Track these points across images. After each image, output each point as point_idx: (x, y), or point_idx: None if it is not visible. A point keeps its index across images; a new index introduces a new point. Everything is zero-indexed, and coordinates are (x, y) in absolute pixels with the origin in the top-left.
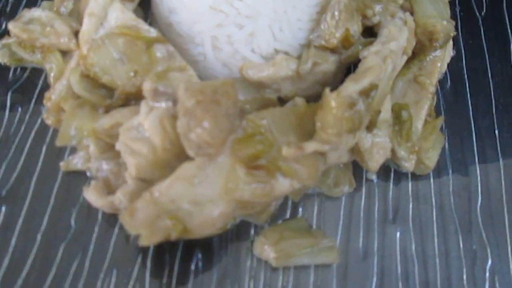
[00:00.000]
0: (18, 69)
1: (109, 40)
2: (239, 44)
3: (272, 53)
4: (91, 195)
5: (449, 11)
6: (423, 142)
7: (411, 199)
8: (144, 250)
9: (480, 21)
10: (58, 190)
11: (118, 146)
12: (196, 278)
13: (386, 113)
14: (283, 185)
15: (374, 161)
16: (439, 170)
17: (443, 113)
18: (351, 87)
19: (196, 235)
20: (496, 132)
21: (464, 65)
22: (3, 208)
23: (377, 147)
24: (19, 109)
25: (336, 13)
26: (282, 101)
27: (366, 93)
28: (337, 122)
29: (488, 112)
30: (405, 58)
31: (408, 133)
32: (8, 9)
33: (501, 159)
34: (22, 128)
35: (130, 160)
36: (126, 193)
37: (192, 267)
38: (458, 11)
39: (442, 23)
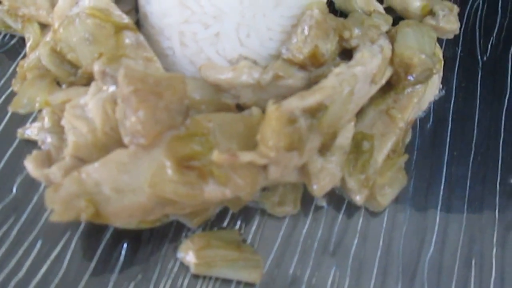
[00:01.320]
0: (8, 36)
1: (79, 19)
2: (204, 43)
3: (237, 58)
4: (29, 164)
5: (433, 47)
6: (379, 177)
7: (358, 234)
8: (73, 229)
9: (480, 65)
10: (10, 155)
11: (63, 121)
12: (115, 267)
13: (344, 140)
14: (214, 191)
15: (320, 186)
16: (396, 211)
17: (415, 152)
18: (295, 102)
19: (109, 221)
20: (468, 183)
21: (451, 107)
22: None
23: (326, 172)
24: None
25: (306, 27)
26: (240, 108)
27: (311, 112)
28: (274, 136)
29: (465, 161)
30: (375, 87)
31: (365, 165)
32: None
33: (465, 213)
34: None
35: (70, 137)
36: (61, 168)
37: (115, 255)
38: (458, 51)
39: (420, 57)
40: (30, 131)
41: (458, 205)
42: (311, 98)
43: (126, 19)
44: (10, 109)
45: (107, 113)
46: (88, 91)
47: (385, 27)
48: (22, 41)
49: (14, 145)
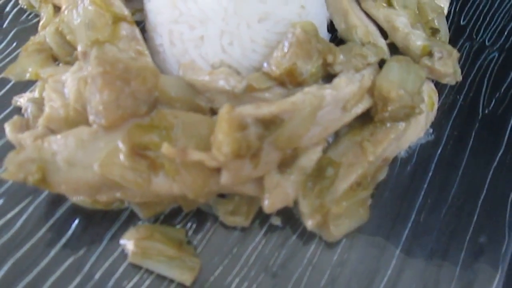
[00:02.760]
0: (32, 14)
1: (83, 4)
2: (189, 45)
3: (219, 63)
4: (7, 128)
5: (418, 86)
6: (335, 207)
7: (305, 261)
8: (35, 195)
9: (479, 117)
10: (1, 120)
11: (44, 93)
12: (61, 238)
13: (307, 161)
14: (161, 184)
15: (271, 203)
16: (351, 246)
17: (388, 191)
18: (249, 110)
19: (54, 190)
20: (435, 234)
21: (437, 153)
22: None
23: (280, 190)
24: (14, 43)
25: (287, 44)
26: (213, 113)
27: (265, 123)
28: (222, 138)
29: (437, 211)
30: (348, 114)
31: (323, 191)
32: None
33: (424, 263)
34: (7, 59)
35: (46, 109)
36: (32, 135)
37: (65, 228)
38: (460, 99)
39: (399, 92)
40: (22, 99)
41: (418, 253)
42: (267, 109)
43: (125, 11)
44: (4, 74)
45: (81, 91)
46: None
47: (372, 58)
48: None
49: (7, 111)
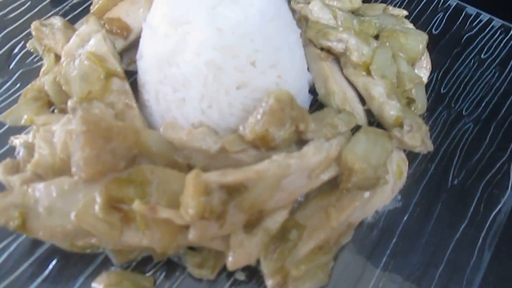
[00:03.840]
0: (37, 58)
1: (79, 59)
2: (172, 104)
3: (198, 123)
4: None
5: (383, 158)
6: (295, 269)
7: None
8: (18, 234)
9: (448, 187)
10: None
11: (35, 140)
12: (37, 277)
13: (272, 223)
14: (132, 236)
15: (234, 260)
16: None
17: (350, 255)
18: (214, 177)
19: (33, 235)
20: None
21: (403, 221)
22: None
23: (243, 249)
24: (18, 84)
25: (261, 112)
26: (189, 168)
27: (229, 190)
28: (188, 201)
29: (396, 279)
30: (314, 181)
31: (284, 253)
32: (61, 12)
33: None
34: (10, 99)
35: (35, 155)
36: (20, 179)
37: (43, 267)
38: (431, 169)
39: (362, 165)
40: (18, 141)
41: None
42: (231, 177)
43: (118, 68)
44: (0, 118)
45: (67, 142)
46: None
47: (343, 128)
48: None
49: (4, 149)
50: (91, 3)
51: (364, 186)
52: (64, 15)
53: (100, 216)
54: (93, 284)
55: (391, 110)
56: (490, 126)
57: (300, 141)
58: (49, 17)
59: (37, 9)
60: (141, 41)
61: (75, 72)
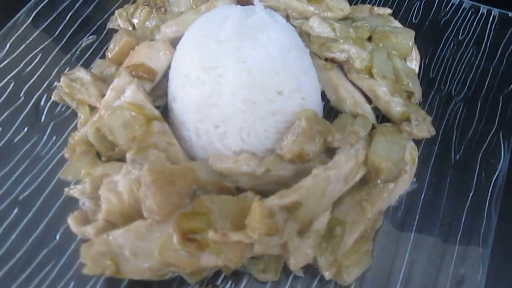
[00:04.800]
0: (64, 107)
1: (120, 110)
2: (214, 138)
3: (240, 150)
4: (71, 221)
5: (402, 154)
6: (345, 259)
7: None
8: (99, 276)
9: (452, 163)
10: (57, 208)
11: (100, 191)
12: None
13: (319, 225)
14: (208, 260)
15: (294, 262)
16: (360, 286)
17: (384, 237)
18: (275, 201)
19: (126, 277)
20: (425, 270)
21: (421, 200)
22: (16, 210)
23: (301, 251)
24: (54, 137)
25: (295, 134)
26: (239, 190)
27: (288, 209)
28: (256, 225)
29: (425, 250)
30: (347, 185)
31: (335, 247)
32: (73, 58)
33: None
34: (51, 153)
35: (104, 205)
36: (94, 228)
37: None
38: (435, 149)
39: (387, 164)
40: (73, 191)
41: (416, 280)
42: (288, 199)
43: (155, 112)
44: (60, 176)
45: (133, 190)
46: (121, 168)
47: (363, 132)
48: (73, 112)
49: (61, 200)
50: (98, 43)
51: (389, 180)
52: (77, 60)
53: (179, 249)
54: None
55: (396, 106)
56: (477, 102)
57: (327, 149)
58: (64, 65)
59: (49, 59)
60: (172, 85)
61: (118, 122)
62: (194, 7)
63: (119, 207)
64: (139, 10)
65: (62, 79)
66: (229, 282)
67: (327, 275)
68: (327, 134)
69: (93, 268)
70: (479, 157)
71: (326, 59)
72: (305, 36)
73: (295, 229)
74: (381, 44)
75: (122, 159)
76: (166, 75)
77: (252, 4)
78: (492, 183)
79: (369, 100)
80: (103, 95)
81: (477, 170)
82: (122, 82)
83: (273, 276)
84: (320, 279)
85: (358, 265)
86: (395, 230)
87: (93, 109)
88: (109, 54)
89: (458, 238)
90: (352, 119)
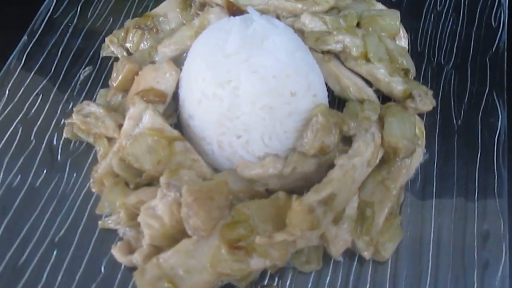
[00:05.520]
0: (77, 142)
1: (141, 137)
2: (237, 148)
3: (264, 154)
4: (117, 253)
5: (414, 130)
6: (380, 237)
7: (369, 280)
8: None
9: (456, 129)
10: (95, 242)
11: (139, 219)
12: None
13: (351, 210)
14: (257, 263)
15: (335, 249)
16: (397, 259)
17: (408, 209)
18: (312, 197)
19: None
20: (452, 230)
21: (434, 168)
22: (55, 252)
23: (340, 238)
24: (75, 174)
25: (314, 130)
26: (269, 192)
27: (325, 201)
28: (298, 222)
29: (448, 213)
30: (370, 169)
31: (369, 228)
32: (75, 93)
33: (451, 256)
34: (75, 189)
35: (146, 231)
36: (141, 255)
37: None
38: (437, 118)
39: (403, 143)
40: (109, 222)
41: (445, 250)
42: (324, 192)
43: (176, 133)
44: (97, 211)
45: (173, 212)
46: (153, 192)
47: (374, 116)
48: (89, 146)
49: (96, 233)
50: (95, 73)
51: (407, 156)
52: (79, 94)
53: (229, 259)
54: None
55: (398, 86)
56: (467, 68)
57: (343, 138)
58: (67, 100)
59: (51, 97)
60: (186, 104)
61: (142, 149)
62: (185, 22)
63: (161, 230)
64: (131, 34)
65: (74, 116)
66: (276, 279)
67: (366, 255)
68: (342, 124)
69: None
70: (479, 119)
71: (322, 52)
72: (299, 33)
73: (331, 219)
74: (370, 29)
75: (150, 184)
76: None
77: (242, 12)
78: (496, 141)
79: (369, 84)
80: (119, 125)
81: (479, 131)
82: (138, 109)
83: (317, 265)
84: (358, 260)
85: (392, 240)
86: (417, 200)
87: (110, 140)
88: (113, 83)
89: (476, 197)
90: (360, 105)
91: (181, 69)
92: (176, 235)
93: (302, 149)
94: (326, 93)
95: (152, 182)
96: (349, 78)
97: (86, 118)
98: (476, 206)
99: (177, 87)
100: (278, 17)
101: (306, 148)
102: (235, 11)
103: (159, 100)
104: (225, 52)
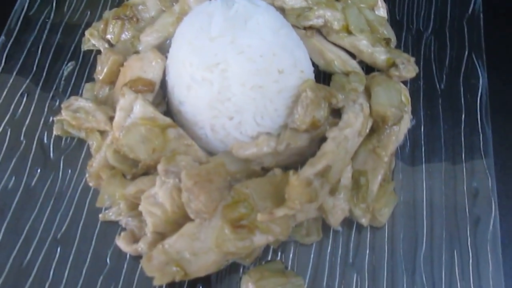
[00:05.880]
0: (68, 139)
1: (134, 127)
2: (230, 129)
3: (256, 134)
4: (121, 243)
5: (400, 98)
6: (376, 203)
7: (368, 246)
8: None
9: (439, 93)
10: (98, 235)
11: (140, 208)
12: None
13: (346, 180)
14: (260, 239)
15: (334, 219)
16: (393, 223)
17: (400, 174)
18: (309, 171)
19: (194, 277)
20: (443, 190)
21: (421, 132)
22: (59, 248)
23: (337, 207)
24: (69, 171)
25: (304, 105)
26: (264, 170)
27: (321, 174)
28: (297, 196)
29: (438, 175)
30: (361, 138)
31: (364, 196)
32: (60, 89)
33: (444, 216)
34: (71, 185)
35: (149, 219)
36: (145, 243)
37: None
38: (421, 84)
39: (391, 110)
40: (110, 215)
41: (438, 210)
42: (319, 165)
43: (167, 120)
44: (97, 205)
45: (174, 198)
46: (151, 181)
47: (361, 87)
48: (80, 142)
49: (98, 226)
50: (79, 68)
51: (395, 123)
52: (64, 90)
53: (233, 237)
54: (243, 286)
55: (380, 55)
56: (445, 32)
57: (332, 110)
58: (53, 98)
59: (36, 96)
60: (175, 90)
61: (136, 139)
62: (164, 9)
63: (163, 217)
64: (111, 26)
65: (64, 113)
66: (279, 253)
67: (364, 221)
68: (331, 98)
69: (162, 278)
70: (461, 81)
71: (304, 28)
72: (280, 11)
73: (327, 191)
74: (349, 1)
75: (147, 173)
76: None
77: None
78: (478, 101)
79: (352, 56)
80: (110, 118)
81: (462, 93)
82: (128, 100)
83: (317, 237)
84: (356, 228)
85: (388, 205)
86: (407, 165)
87: (102, 133)
88: (99, 76)
89: (463, 157)
90: (346, 77)
91: (166, 57)
92: (178, 220)
93: (294, 125)
94: (312, 68)
95: (148, 171)
96: (333, 52)
97: (76, 113)
98: (464, 166)
99: (163, 75)
100: None
101: (298, 123)
102: None
103: (147, 89)
104: (210, 35)
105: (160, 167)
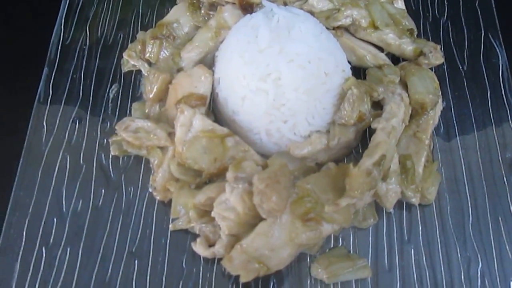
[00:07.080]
0: (125, 157)
1: (196, 140)
2: (285, 132)
3: (308, 133)
4: (198, 248)
5: (434, 85)
6: (423, 183)
7: (420, 222)
8: (236, 281)
9: (463, 74)
10: (170, 245)
11: (213, 214)
12: None
13: (394, 166)
14: (327, 229)
15: (389, 202)
16: (439, 200)
17: (439, 154)
18: (367, 161)
19: (275, 270)
20: (481, 165)
21: (452, 113)
22: (136, 261)
23: (390, 192)
24: (132, 188)
25: (351, 102)
26: (318, 165)
27: (378, 163)
28: (359, 186)
29: (473, 151)
30: (403, 126)
31: (412, 178)
32: (109, 112)
33: (485, 187)
34: (136, 201)
35: (223, 223)
36: (222, 245)
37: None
38: (445, 68)
39: (429, 97)
40: (179, 223)
41: (478, 182)
42: (376, 155)
43: (225, 130)
44: (172, 216)
45: (245, 201)
46: (217, 188)
47: (397, 79)
48: (136, 159)
49: (169, 236)
50: (122, 90)
51: (432, 108)
52: (113, 112)
53: (304, 230)
54: (313, 273)
55: (408, 46)
56: (460, 16)
57: (373, 104)
58: (104, 120)
59: (87, 120)
60: (229, 102)
61: (198, 151)
62: (198, 24)
63: (237, 220)
64: (149, 46)
65: (124, 134)
66: (340, 240)
67: (415, 201)
68: (372, 91)
69: (248, 275)
70: (481, 61)
71: (333, 28)
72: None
73: (380, 178)
74: None
75: (210, 181)
76: None
77: (252, 5)
78: (501, 78)
79: (380, 49)
80: (169, 133)
81: (484, 72)
82: (188, 116)
83: (373, 220)
84: (406, 208)
85: (434, 184)
86: (445, 143)
87: (162, 149)
88: (149, 95)
89: (494, 131)
90: (380, 70)
91: (213, 71)
92: (250, 221)
93: (342, 121)
94: (349, 66)
95: (212, 180)
96: (363, 48)
97: (137, 133)
98: (496, 139)
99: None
100: (285, 4)
101: (346, 119)
102: (245, 5)
103: (200, 103)
104: (259, 47)
105: (229, 175)
